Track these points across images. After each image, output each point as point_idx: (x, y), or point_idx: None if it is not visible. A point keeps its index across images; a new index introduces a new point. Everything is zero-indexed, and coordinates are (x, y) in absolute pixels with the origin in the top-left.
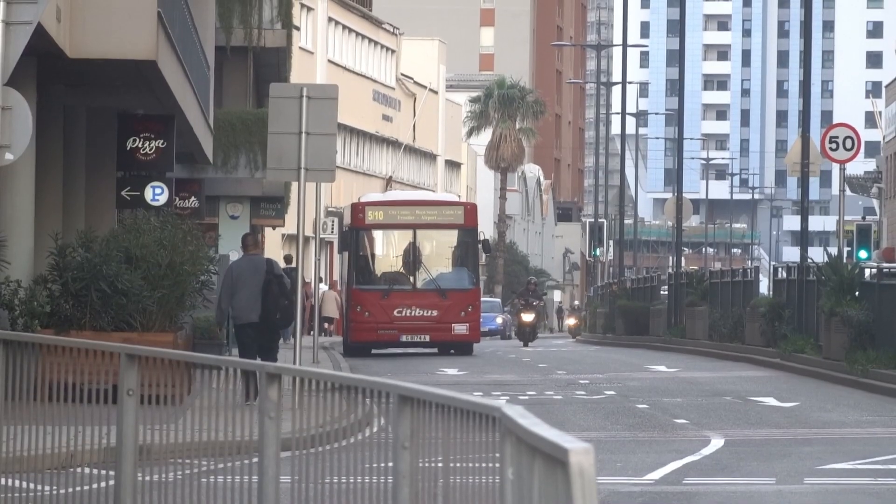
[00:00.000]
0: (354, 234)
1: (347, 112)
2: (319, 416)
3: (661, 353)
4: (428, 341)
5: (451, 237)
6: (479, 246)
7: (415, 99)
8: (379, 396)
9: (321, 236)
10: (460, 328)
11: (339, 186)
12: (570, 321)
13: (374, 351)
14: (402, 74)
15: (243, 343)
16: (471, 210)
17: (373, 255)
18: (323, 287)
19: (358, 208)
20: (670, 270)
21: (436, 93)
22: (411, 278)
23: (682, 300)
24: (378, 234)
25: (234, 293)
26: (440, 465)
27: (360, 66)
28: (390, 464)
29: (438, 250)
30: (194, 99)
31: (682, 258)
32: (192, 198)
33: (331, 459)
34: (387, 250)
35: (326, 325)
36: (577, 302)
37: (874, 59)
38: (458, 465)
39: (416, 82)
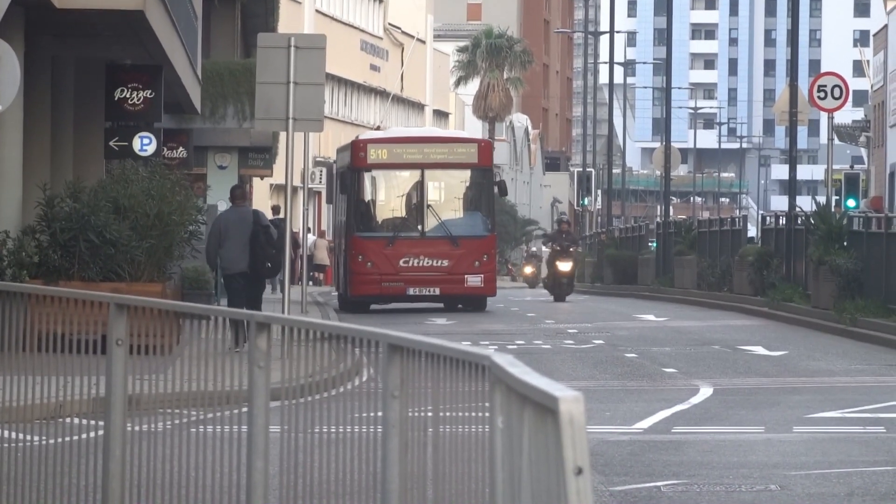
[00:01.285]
0: (355, 175)
1: (335, 62)
2: (308, 365)
3: (649, 303)
4: (438, 294)
5: (464, 178)
6: (495, 188)
7: (402, 49)
8: (368, 345)
9: (309, 186)
10: (474, 280)
11: (327, 136)
12: (527, 269)
13: (373, 306)
14: (390, 24)
15: (233, 291)
16: (485, 148)
17: (375, 199)
18: (311, 236)
19: (359, 146)
20: (658, 220)
21: (423, 42)
22: (419, 224)
23: (670, 249)
24: (381, 175)
25: (221, 244)
26: (429, 414)
27: (347, 16)
28: (379, 413)
29: (449, 193)
30: (182, 49)
31: (671, 207)
32: (181, 148)
33: (320, 409)
34: (391, 193)
35: (316, 273)
36: (534, 248)
37: (862, 8)
38: (447, 414)
39: (403, 32)
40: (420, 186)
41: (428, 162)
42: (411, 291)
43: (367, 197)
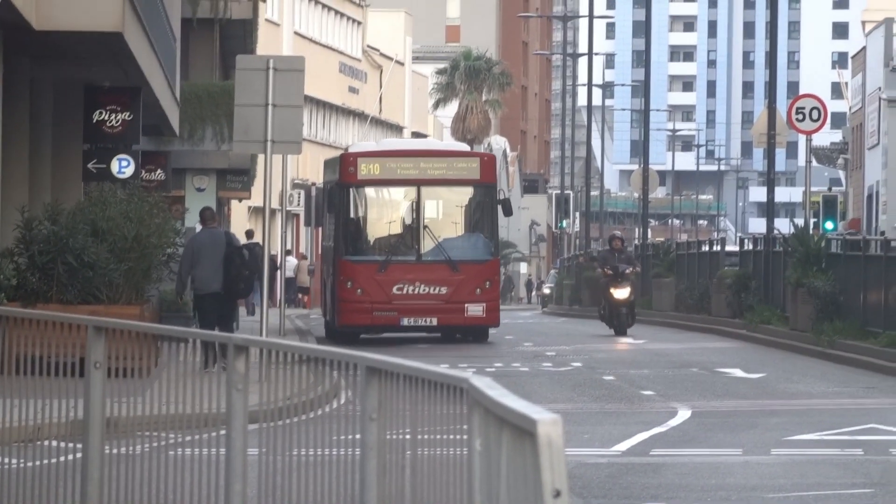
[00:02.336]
0: (344, 191)
1: (314, 84)
2: (287, 388)
3: None
4: (435, 325)
5: (465, 196)
6: (499, 207)
7: (381, 71)
8: (346, 368)
9: (287, 208)
10: (475, 309)
11: (305, 159)
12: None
13: (363, 336)
14: (369, 46)
15: (204, 311)
16: (488, 163)
17: (366, 218)
18: (293, 259)
19: (348, 160)
20: (636, 242)
21: (402, 64)
22: (414, 247)
23: (648, 271)
24: (373, 192)
25: (194, 265)
26: (408, 436)
27: (326, 38)
28: (358, 436)
29: (448, 212)
30: (160, 71)
31: (649, 230)
32: (159, 170)
33: (298, 431)
34: (384, 212)
35: (301, 296)
36: (510, 273)
37: (840, 30)
38: (425, 436)
39: (382, 54)
40: (416, 205)
41: (425, 178)
42: (405, 322)
43: (357, 216)
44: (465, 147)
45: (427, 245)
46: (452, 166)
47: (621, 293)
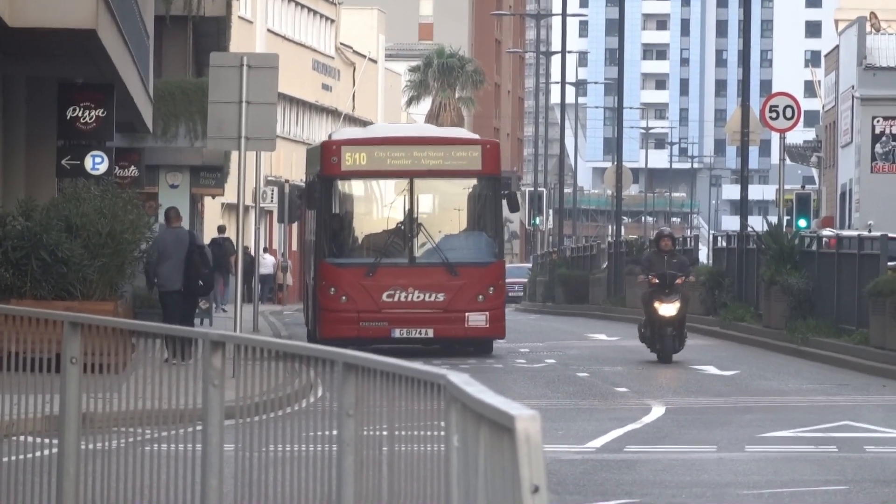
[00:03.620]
0: (326, 184)
1: (287, 81)
2: (263, 384)
3: (601, 322)
4: (431, 337)
5: (465, 188)
6: (504, 201)
7: (354, 68)
8: (324, 365)
9: (261, 205)
10: (477, 319)
11: (278, 156)
12: None
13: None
14: (342, 44)
15: (167, 307)
16: (491, 150)
17: (352, 215)
18: (269, 256)
19: (331, 149)
20: (610, 239)
21: (375, 62)
22: (407, 248)
23: (621, 269)
24: (360, 185)
25: (159, 262)
26: (385, 433)
27: (299, 36)
28: (335, 432)
29: (446, 207)
30: (134, 68)
31: (622, 227)
32: (132, 167)
33: (275, 427)
34: (372, 208)
35: (280, 294)
36: None
37: (813, 29)
38: (403, 433)
39: (355, 51)
40: (409, 199)
41: (419, 168)
42: (397, 333)
43: (341, 212)
44: (464, 133)
45: (421, 245)
46: (450, 155)
47: (668, 308)
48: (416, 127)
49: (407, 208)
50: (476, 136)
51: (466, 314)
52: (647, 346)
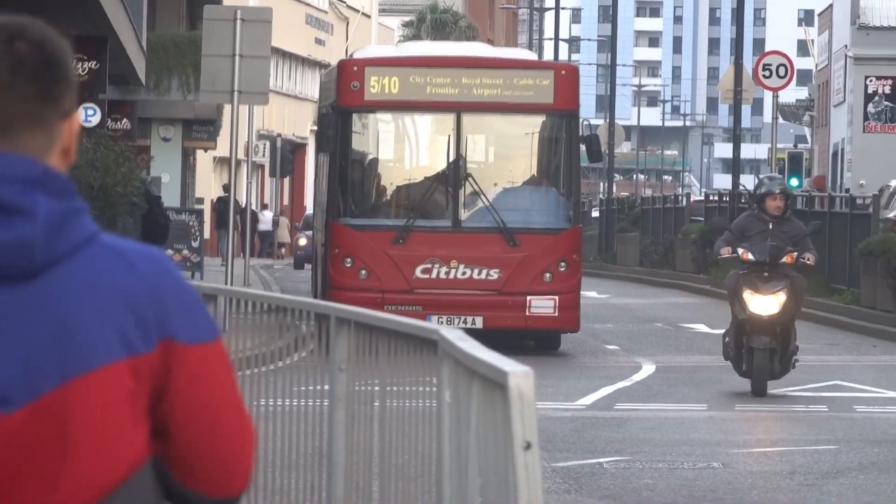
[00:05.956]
0: (343, 119)
1: (280, 35)
2: (254, 337)
3: (591, 279)
4: (480, 328)
5: (530, 129)
6: (582, 146)
7: (347, 23)
8: (316, 319)
9: (253, 159)
10: (542, 305)
11: (270, 110)
12: None
13: None
14: None
15: None
16: (568, 79)
17: (376, 161)
18: (269, 213)
19: (350, 71)
20: (601, 196)
21: (368, 17)
22: (451, 207)
23: (613, 226)
24: (388, 121)
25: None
26: (377, 388)
27: None
28: (326, 386)
29: (504, 154)
30: (127, 20)
31: (614, 184)
32: (125, 120)
33: (265, 381)
34: (405, 153)
35: (280, 250)
36: None
37: None
38: (394, 388)
39: (348, 6)
40: (454, 142)
41: (469, 100)
42: (434, 322)
43: (363, 157)
44: (530, 54)
45: (470, 204)
46: (512, 83)
47: (764, 303)
48: (467, 46)
49: (452, 154)
50: (546, 61)
51: (528, 298)
52: (732, 366)
